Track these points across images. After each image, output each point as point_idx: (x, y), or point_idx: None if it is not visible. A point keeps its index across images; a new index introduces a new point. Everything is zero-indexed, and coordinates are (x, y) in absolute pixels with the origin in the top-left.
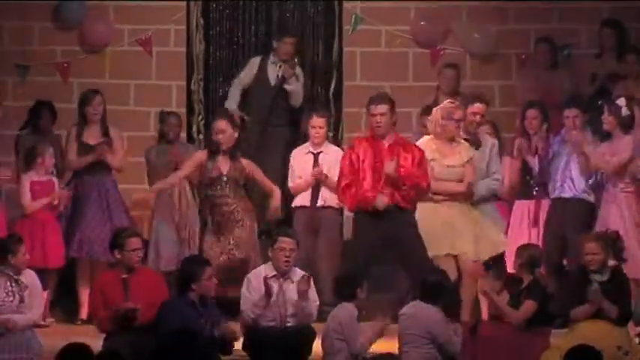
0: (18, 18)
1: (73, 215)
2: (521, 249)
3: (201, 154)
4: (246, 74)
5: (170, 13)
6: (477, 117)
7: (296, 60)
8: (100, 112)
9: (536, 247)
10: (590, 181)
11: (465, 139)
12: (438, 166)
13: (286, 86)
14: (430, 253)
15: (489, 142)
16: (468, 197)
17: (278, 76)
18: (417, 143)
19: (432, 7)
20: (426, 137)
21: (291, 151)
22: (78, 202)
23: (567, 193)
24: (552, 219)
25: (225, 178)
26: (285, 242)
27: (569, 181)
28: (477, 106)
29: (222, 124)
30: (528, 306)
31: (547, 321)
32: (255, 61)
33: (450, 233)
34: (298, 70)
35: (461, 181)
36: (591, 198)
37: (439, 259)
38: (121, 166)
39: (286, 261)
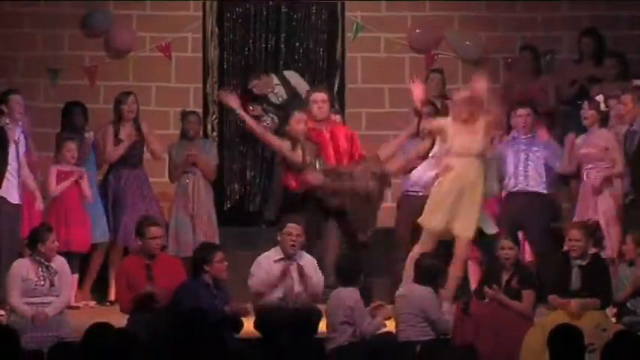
0: (50, 26)
1: (115, 205)
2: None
3: None
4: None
5: (188, 22)
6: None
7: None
8: (134, 110)
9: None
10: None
11: None
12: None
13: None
14: None
15: None
16: None
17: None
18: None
19: (426, 16)
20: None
21: None
22: (120, 193)
23: (524, 187)
24: (509, 211)
25: None
26: (292, 228)
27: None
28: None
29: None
30: (528, 296)
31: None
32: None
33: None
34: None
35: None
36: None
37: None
38: (162, 154)
39: (292, 245)
